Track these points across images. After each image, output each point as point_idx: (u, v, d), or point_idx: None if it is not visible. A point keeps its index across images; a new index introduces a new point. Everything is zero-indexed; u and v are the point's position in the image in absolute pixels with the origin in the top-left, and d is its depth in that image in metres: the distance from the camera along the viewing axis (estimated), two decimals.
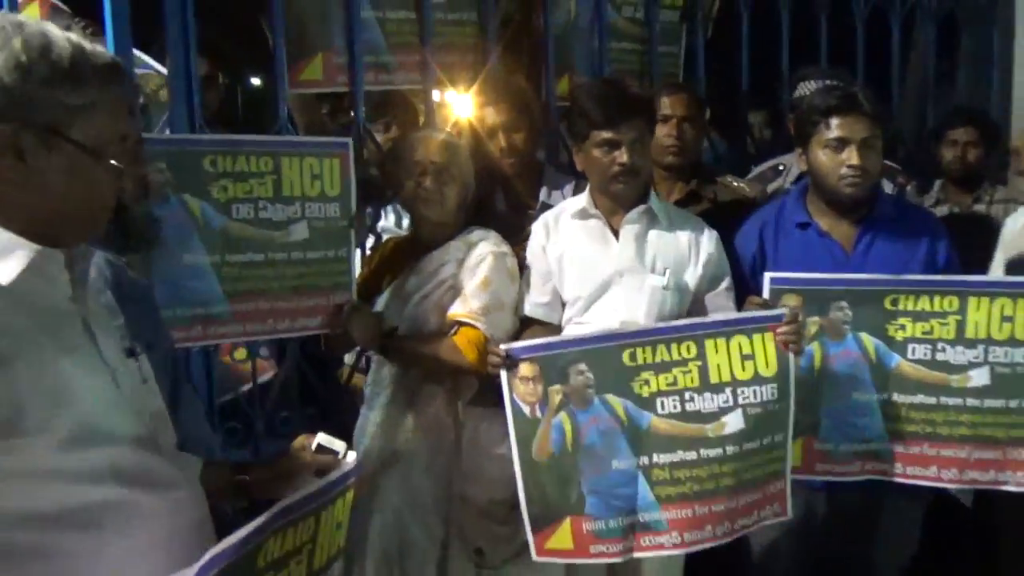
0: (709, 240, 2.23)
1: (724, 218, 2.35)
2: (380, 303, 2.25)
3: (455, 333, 2.14)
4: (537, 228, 2.27)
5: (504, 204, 2.54)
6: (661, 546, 2.06)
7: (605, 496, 2.02)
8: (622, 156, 2.11)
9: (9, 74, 1.08)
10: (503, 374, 1.99)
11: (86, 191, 1.15)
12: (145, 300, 1.63)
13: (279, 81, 2.34)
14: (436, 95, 2.73)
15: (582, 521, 2.02)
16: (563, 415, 2.00)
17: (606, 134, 2.10)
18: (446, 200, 2.20)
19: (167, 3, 2.18)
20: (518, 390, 1.99)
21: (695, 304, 2.20)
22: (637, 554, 2.06)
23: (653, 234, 2.21)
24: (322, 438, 1.38)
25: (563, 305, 2.24)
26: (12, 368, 1.07)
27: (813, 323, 2.13)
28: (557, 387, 1.99)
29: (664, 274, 2.17)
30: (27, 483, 1.09)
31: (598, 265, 2.20)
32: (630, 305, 2.17)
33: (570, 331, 2.21)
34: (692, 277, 2.20)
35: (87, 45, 1.14)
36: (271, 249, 2.07)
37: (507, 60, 2.74)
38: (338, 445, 1.38)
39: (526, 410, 2.00)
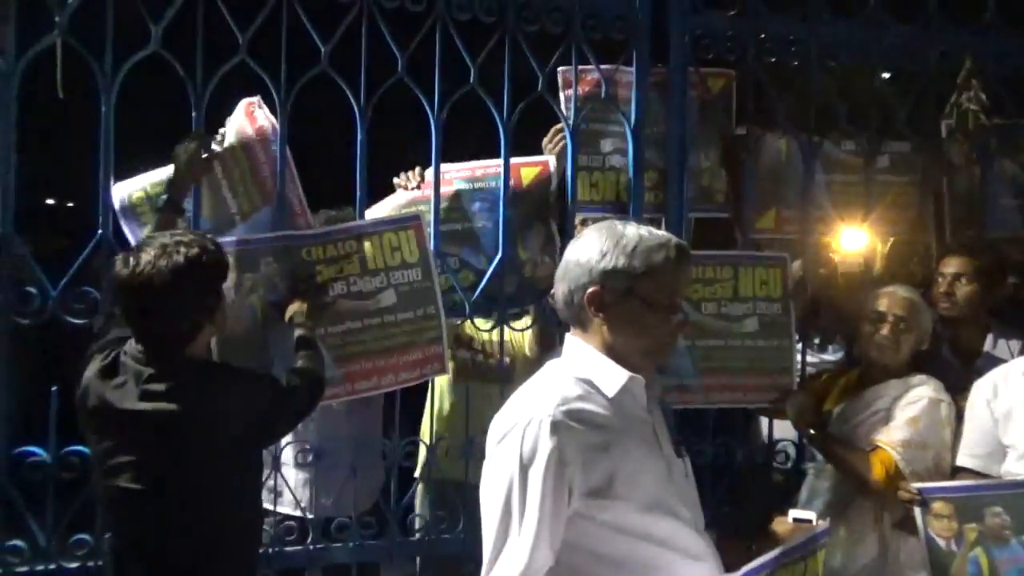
0: None
1: None
2: (830, 421, 2.56)
3: (872, 450, 2.37)
4: (983, 383, 2.36)
5: (950, 352, 2.75)
6: None
7: None
8: None
9: (597, 257, 1.55)
10: (916, 510, 2.17)
11: (649, 334, 1.55)
12: (669, 410, 2.12)
13: (745, 229, 2.96)
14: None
15: None
16: (979, 551, 2.11)
17: None
18: (901, 349, 2.47)
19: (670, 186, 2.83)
20: (932, 525, 2.15)
21: None
22: None
23: None
24: (794, 513, 1.75)
25: (1003, 458, 2.29)
26: (611, 452, 1.49)
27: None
28: (972, 525, 2.12)
29: None
30: (611, 534, 1.48)
31: None
32: None
33: None
34: None
35: (647, 233, 1.56)
36: (729, 337, 2.66)
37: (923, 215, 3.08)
38: (810, 515, 1.74)
39: (941, 543, 2.14)
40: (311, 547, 2.52)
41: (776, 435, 2.84)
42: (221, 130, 2.53)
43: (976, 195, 3.06)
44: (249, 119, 2.51)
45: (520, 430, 1.49)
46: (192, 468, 1.90)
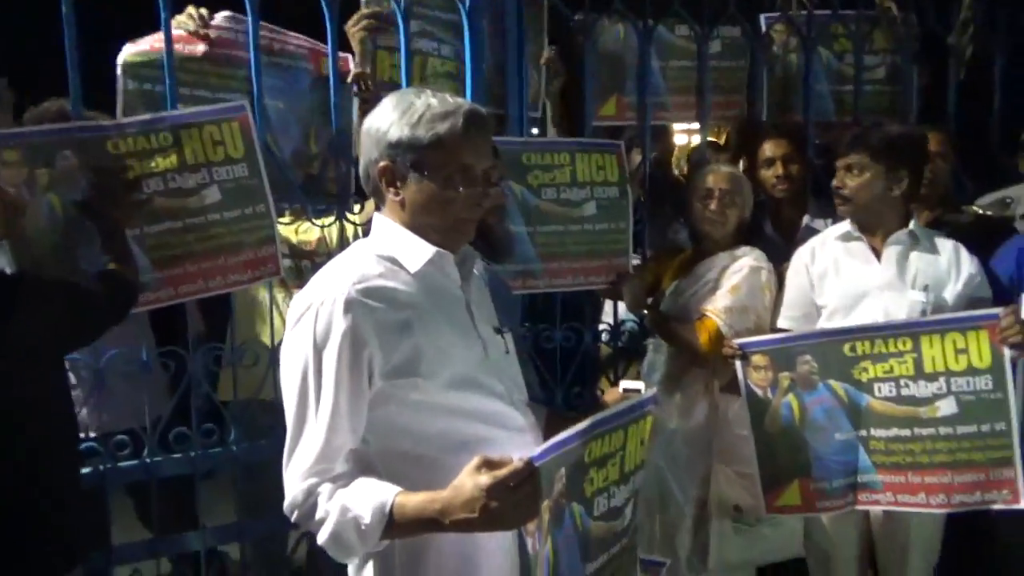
0: (969, 262, 2.40)
1: (966, 242, 2.48)
2: (665, 297, 2.71)
3: (699, 319, 2.53)
4: (803, 250, 2.55)
5: (772, 227, 2.90)
6: (877, 502, 2.32)
7: (829, 461, 2.32)
8: (841, 179, 2.40)
9: (384, 128, 1.47)
10: (738, 364, 2.35)
11: (444, 209, 1.47)
12: (508, 295, 2.05)
13: (588, 114, 2.92)
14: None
15: (809, 482, 2.34)
16: (791, 396, 2.32)
17: (838, 162, 2.43)
18: (728, 221, 2.61)
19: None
20: (751, 376, 2.35)
21: None
22: (858, 507, 2.33)
23: (914, 255, 2.40)
24: (625, 383, 1.79)
25: (817, 319, 2.47)
26: (414, 330, 1.44)
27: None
28: (786, 374, 2.31)
29: (925, 290, 2.35)
30: (422, 411, 1.46)
31: (860, 280, 2.42)
32: (889, 317, 2.35)
33: None
34: (951, 294, 2.37)
35: (436, 101, 1.46)
36: (569, 222, 2.68)
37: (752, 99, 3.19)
38: (638, 385, 1.77)
39: (759, 392, 2.34)
40: (148, 460, 2.40)
41: (621, 316, 2.93)
42: None
43: (792, 81, 3.15)
44: None
45: (314, 311, 1.44)
46: None
